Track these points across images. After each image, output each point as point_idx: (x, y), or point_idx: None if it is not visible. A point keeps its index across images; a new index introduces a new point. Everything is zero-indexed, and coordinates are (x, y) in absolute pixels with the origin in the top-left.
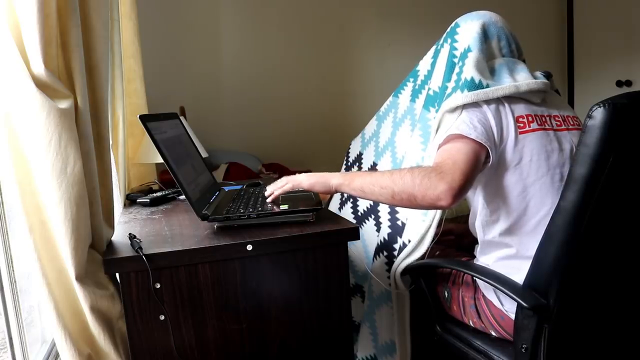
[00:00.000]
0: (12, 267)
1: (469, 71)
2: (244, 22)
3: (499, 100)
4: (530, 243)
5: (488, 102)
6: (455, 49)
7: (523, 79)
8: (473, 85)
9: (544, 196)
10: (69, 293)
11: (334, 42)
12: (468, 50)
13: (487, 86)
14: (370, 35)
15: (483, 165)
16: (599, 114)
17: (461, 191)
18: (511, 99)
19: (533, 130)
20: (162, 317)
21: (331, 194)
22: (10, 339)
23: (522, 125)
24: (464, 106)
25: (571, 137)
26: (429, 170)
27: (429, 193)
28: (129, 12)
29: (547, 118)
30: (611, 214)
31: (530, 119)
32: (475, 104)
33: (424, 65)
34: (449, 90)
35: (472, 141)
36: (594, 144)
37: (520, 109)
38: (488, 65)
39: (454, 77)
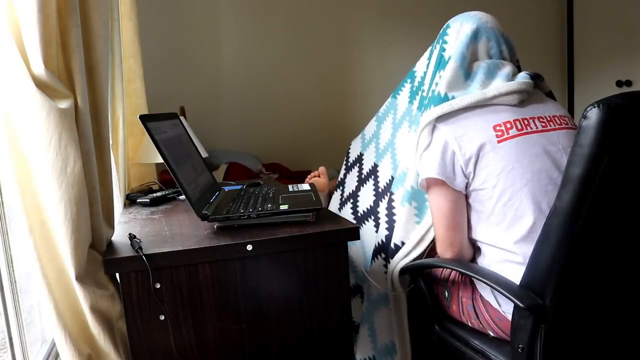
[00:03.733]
0: (12, 267)
1: (440, 85)
2: (243, 22)
3: (468, 112)
4: (524, 248)
5: (455, 120)
6: (444, 49)
7: (496, 83)
8: (439, 99)
9: (533, 201)
10: (69, 293)
11: (334, 42)
12: (449, 59)
13: (453, 97)
14: (371, 35)
15: (467, 189)
16: (593, 114)
17: (456, 250)
18: (486, 107)
19: (512, 137)
20: (162, 317)
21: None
22: (10, 339)
23: (500, 133)
24: (434, 129)
25: (558, 137)
26: (436, 246)
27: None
28: (129, 12)
29: (530, 120)
30: (606, 214)
31: (508, 125)
32: (443, 131)
33: (420, 67)
34: (431, 94)
35: (445, 185)
36: (588, 144)
37: (497, 116)
38: (469, 68)
39: (433, 86)
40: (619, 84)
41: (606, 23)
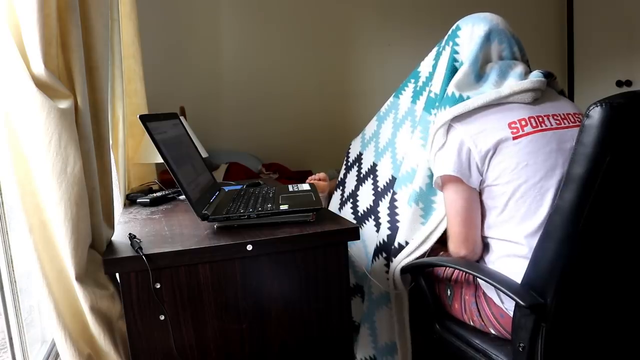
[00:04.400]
0: (12, 267)
1: (451, 86)
2: (244, 22)
3: (483, 111)
4: (532, 242)
5: (471, 120)
6: (457, 52)
7: (510, 82)
8: (454, 100)
9: (546, 197)
10: (69, 293)
11: (334, 41)
12: (462, 62)
13: (468, 97)
14: (370, 35)
15: (480, 185)
16: (596, 113)
17: (470, 247)
18: (501, 105)
19: (527, 134)
20: (162, 317)
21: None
22: (10, 339)
23: (515, 130)
24: (449, 128)
25: (572, 135)
26: (448, 243)
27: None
28: (129, 12)
29: (544, 118)
30: (608, 213)
31: (523, 122)
32: (459, 130)
33: (425, 67)
34: (446, 96)
35: (460, 183)
36: (591, 143)
37: (512, 114)
38: (481, 71)
39: (446, 87)
40: (619, 84)
41: (606, 23)
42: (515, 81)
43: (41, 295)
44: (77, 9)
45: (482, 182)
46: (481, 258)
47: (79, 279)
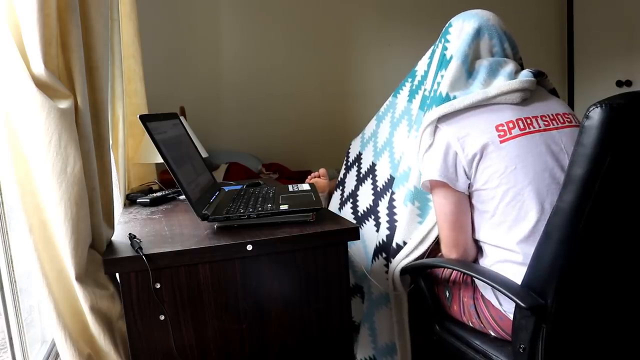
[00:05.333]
0: (12, 267)
1: (444, 85)
2: (244, 22)
3: (470, 111)
4: (526, 248)
5: (457, 120)
6: (446, 48)
7: (498, 82)
8: (441, 99)
9: (536, 201)
10: (69, 293)
11: (334, 42)
12: (451, 58)
13: (455, 97)
14: (370, 35)
15: (469, 189)
16: (596, 114)
17: (461, 251)
18: (488, 106)
19: (515, 137)
20: (162, 317)
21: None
22: (10, 339)
23: (502, 134)
24: (436, 129)
25: (561, 137)
26: (441, 246)
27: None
28: (129, 12)
29: (532, 119)
30: (609, 214)
31: (511, 125)
32: (444, 131)
33: (421, 66)
34: (433, 94)
35: (447, 187)
36: (591, 144)
37: (499, 116)
38: (471, 66)
39: (435, 85)
40: (619, 84)
41: (606, 23)
42: (504, 80)
43: (41, 295)
44: (77, 9)
45: (470, 185)
46: (476, 261)
47: (79, 279)
